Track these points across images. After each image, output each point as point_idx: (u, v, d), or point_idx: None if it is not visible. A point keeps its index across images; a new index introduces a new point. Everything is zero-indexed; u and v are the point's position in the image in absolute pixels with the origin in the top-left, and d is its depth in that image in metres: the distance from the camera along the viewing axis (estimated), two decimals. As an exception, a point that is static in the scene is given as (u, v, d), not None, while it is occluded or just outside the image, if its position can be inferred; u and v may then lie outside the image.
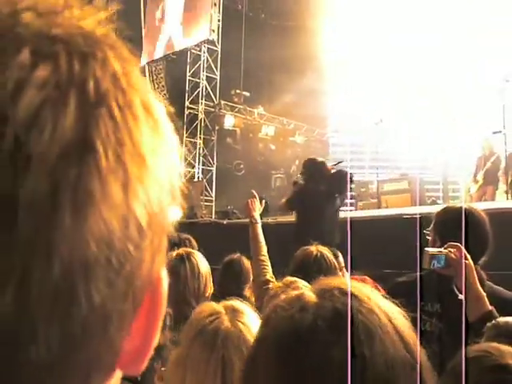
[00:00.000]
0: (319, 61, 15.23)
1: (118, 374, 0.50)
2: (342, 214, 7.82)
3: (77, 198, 0.40)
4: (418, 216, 5.00)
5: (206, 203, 13.21)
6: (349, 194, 6.50)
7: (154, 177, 0.45)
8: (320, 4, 14.66)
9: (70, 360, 0.43)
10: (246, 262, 4.02)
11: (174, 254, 3.14)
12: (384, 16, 14.94)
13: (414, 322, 0.93)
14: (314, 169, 6.62)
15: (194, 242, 4.40)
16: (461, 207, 3.01)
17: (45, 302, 0.40)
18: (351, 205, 12.45)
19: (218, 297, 3.77)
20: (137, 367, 0.50)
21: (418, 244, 2.84)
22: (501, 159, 11.47)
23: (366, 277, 3.65)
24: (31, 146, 0.39)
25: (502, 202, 9.93)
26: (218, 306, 1.76)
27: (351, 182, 6.66)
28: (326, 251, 3.47)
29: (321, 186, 6.42)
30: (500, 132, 10.86)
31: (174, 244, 3.97)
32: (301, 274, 3.04)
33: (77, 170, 0.40)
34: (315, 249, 3.49)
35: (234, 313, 1.72)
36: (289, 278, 2.83)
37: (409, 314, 0.95)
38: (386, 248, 6.00)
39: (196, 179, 16.03)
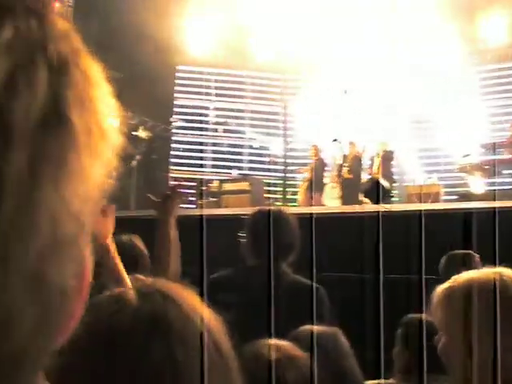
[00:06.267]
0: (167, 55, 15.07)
1: None
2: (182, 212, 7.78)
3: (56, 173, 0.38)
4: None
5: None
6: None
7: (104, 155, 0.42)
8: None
9: None
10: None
11: None
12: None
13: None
14: None
15: None
16: (270, 209, 3.17)
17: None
18: (191, 203, 12.48)
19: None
20: None
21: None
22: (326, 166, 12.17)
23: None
24: (10, 115, 0.35)
25: (332, 206, 10.51)
26: None
27: None
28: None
29: None
30: (336, 140, 11.58)
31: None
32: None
33: (55, 142, 0.37)
34: (127, 238, 3.46)
35: None
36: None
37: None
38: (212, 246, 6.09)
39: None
